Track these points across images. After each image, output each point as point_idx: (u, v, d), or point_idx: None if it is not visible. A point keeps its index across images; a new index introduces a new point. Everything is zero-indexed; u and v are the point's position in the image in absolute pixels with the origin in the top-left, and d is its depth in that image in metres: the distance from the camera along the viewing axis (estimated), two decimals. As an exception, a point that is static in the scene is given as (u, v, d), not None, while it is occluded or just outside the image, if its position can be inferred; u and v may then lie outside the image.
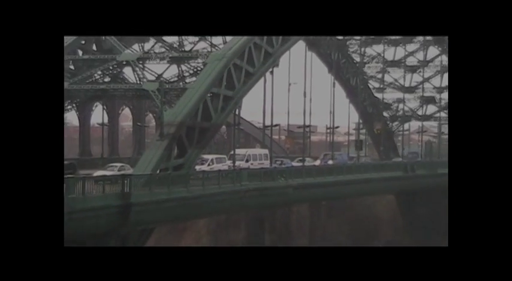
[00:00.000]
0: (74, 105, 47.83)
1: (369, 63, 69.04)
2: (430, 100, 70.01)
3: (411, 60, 68.81)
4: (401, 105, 70.74)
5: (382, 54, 67.87)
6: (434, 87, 69.74)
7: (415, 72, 69.24)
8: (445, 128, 74.72)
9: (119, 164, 40.32)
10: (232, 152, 45.41)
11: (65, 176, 30.98)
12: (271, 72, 43.60)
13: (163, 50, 44.88)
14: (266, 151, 50.67)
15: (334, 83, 60.37)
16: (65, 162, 38.51)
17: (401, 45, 67.49)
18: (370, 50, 68.27)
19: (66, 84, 40.17)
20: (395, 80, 70.09)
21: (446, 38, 64.89)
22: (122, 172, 35.84)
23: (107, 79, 42.67)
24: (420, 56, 68.37)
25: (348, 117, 63.15)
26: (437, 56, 68.00)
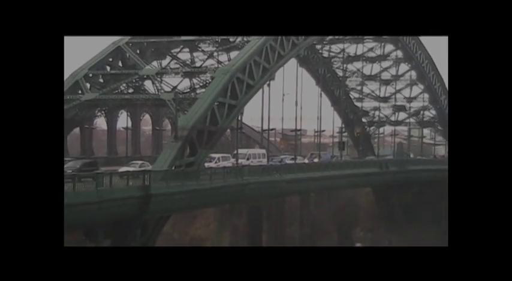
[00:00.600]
0: (102, 112, 47.71)
1: (350, 77, 69.06)
2: (401, 108, 70.11)
3: (385, 75, 68.83)
4: (377, 113, 70.88)
5: (361, 70, 68.02)
6: (405, 98, 69.83)
7: (388, 85, 69.27)
8: (414, 132, 75.04)
9: (139, 162, 40.15)
10: (235, 152, 45.37)
11: (93, 172, 31.07)
12: (268, 85, 43.56)
13: (177, 66, 44.89)
14: (264, 151, 50.70)
15: (321, 94, 60.48)
16: (89, 160, 38.52)
17: (377, 62, 67.62)
18: (351, 66, 68.29)
19: (96, 95, 40.49)
20: (372, 91, 70.13)
21: (415, 55, 65.58)
22: (143, 168, 35.83)
23: (130, 90, 42.63)
24: (393, 71, 68.37)
25: (332, 122, 63.28)
26: (407, 72, 68.05)
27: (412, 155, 74.25)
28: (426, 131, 74.56)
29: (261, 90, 42.69)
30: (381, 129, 73.43)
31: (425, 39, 65.91)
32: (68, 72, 41.71)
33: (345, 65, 67.51)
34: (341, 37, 63.40)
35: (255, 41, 41.07)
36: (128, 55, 43.15)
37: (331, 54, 66.44)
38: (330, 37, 61.26)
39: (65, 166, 34.36)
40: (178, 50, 45.97)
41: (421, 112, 70.63)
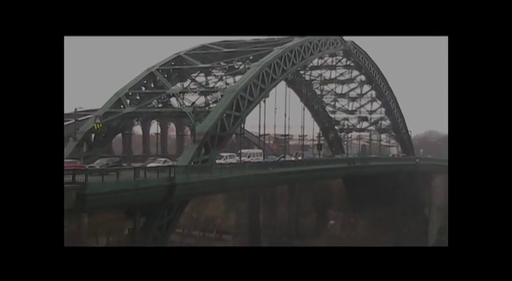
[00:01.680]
0: (139, 121, 47.72)
1: (325, 95, 69.09)
2: (364, 119, 70.12)
3: (352, 94, 68.82)
4: (346, 122, 70.87)
5: (334, 90, 68.08)
6: (367, 111, 69.89)
7: (354, 101, 69.26)
8: (374, 137, 74.93)
9: (163, 159, 39.22)
10: (239, 151, 45.37)
11: (117, 167, 30.32)
12: (264, 101, 43.50)
13: (195, 86, 44.96)
14: (260, 151, 50.59)
15: (303, 108, 60.44)
16: (116, 159, 37.70)
17: (346, 84, 67.60)
18: (327, 87, 68.27)
19: (134, 108, 40.56)
20: (342, 106, 70.11)
21: (374, 79, 65.61)
22: (166, 164, 35.41)
23: (160, 105, 42.64)
24: (358, 91, 68.41)
25: (312, 129, 63.42)
26: (368, 91, 68.11)
27: (391, 155, 73.71)
28: (383, 136, 74.61)
29: (258, 105, 42.54)
30: (349, 135, 73.41)
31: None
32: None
33: (322, 86, 67.61)
34: (319, 65, 63.46)
35: (254, 68, 41.17)
36: (158, 78, 43.22)
37: (312, 77, 66.45)
38: (310, 64, 61.19)
39: (95, 163, 33.98)
40: (196, 74, 46.06)
41: (379, 122, 70.71)
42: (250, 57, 44.87)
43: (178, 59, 45.69)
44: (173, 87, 42.81)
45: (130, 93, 41.72)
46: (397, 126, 70.98)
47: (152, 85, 44.11)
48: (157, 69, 43.45)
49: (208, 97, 43.11)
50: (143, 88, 43.58)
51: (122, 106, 40.83)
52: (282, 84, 51.56)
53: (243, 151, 46.24)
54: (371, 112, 69.77)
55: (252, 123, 53.03)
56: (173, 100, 42.33)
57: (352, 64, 63.65)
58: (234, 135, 47.82)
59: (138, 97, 42.64)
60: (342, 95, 69.05)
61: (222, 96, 39.49)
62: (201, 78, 46.14)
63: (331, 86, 67.93)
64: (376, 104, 69.44)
